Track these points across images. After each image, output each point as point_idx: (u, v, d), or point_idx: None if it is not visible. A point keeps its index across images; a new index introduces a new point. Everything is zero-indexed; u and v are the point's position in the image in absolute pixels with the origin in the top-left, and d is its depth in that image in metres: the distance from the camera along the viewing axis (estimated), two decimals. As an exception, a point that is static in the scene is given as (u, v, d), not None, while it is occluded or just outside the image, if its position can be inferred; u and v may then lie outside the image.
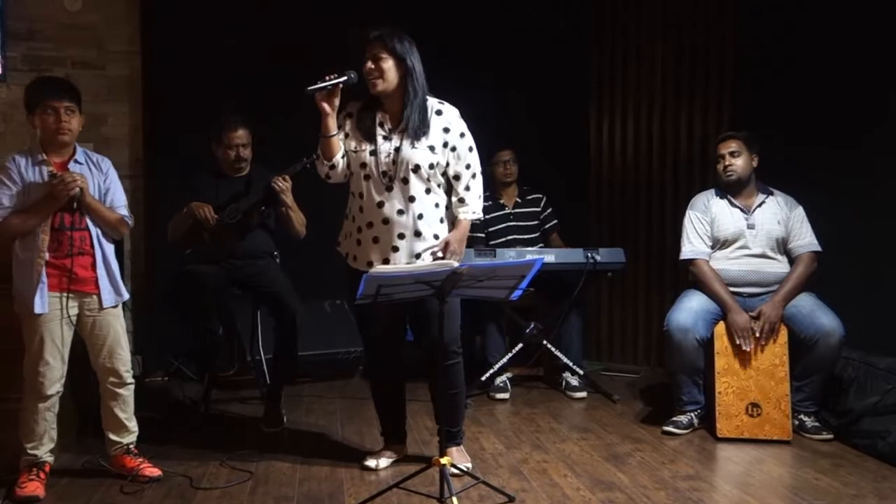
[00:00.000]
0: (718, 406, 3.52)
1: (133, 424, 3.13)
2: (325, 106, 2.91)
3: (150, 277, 4.58)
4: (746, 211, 3.74)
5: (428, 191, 3.02)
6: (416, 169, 2.97)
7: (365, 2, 4.30)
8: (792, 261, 3.70)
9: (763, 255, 3.70)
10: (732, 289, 3.65)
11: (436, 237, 3.04)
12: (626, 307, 5.19)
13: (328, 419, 3.91)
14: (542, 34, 5.14)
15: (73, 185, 2.89)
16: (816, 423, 3.57)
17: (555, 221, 4.75)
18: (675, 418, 3.67)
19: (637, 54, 5.06)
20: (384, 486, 2.88)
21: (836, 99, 3.95)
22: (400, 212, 2.98)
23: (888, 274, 3.65)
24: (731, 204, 3.77)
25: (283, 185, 3.70)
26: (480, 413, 4.02)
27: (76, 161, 3.02)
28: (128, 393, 3.10)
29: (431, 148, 3.00)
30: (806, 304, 3.58)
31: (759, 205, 3.75)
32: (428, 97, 3.03)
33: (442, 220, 3.08)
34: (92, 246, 2.99)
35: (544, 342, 4.32)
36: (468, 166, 3.09)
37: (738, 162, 3.72)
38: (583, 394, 4.32)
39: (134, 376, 3.14)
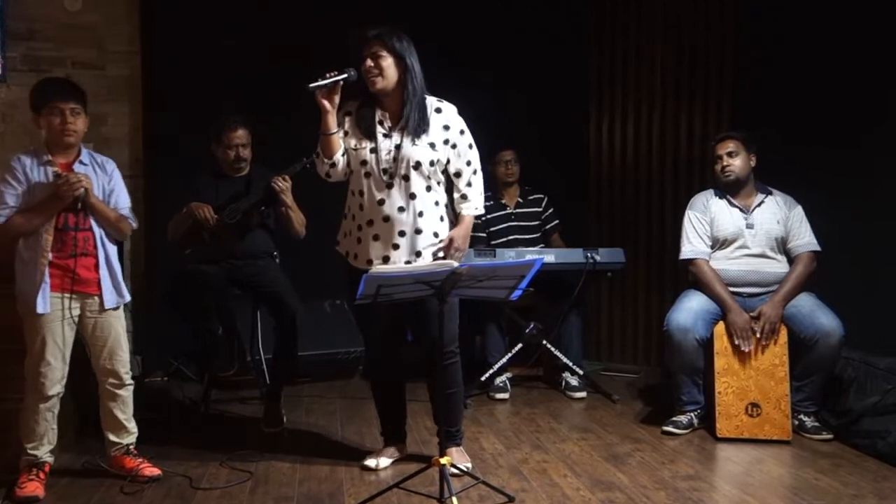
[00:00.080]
0: (718, 406, 3.52)
1: (132, 425, 3.13)
2: (326, 103, 2.91)
3: (150, 277, 4.58)
4: (746, 211, 3.74)
5: (429, 188, 3.03)
6: (417, 166, 2.98)
7: (365, 2, 4.30)
8: (791, 260, 3.70)
9: (762, 255, 3.70)
10: (732, 289, 3.65)
11: (435, 235, 3.05)
12: (625, 307, 5.19)
13: (328, 419, 3.91)
14: (542, 34, 5.14)
15: (78, 185, 2.90)
16: (816, 423, 3.57)
17: (556, 222, 4.75)
18: (674, 418, 3.67)
19: (637, 54, 5.06)
20: (384, 486, 2.88)
21: (836, 99, 3.95)
22: (401, 209, 2.98)
23: (888, 274, 3.65)
24: (731, 204, 3.77)
25: (283, 185, 3.70)
26: (480, 413, 4.02)
27: (81, 162, 3.03)
28: (127, 394, 3.10)
29: (432, 145, 3.01)
30: (806, 304, 3.58)
31: (759, 204, 3.75)
32: (427, 96, 3.03)
33: (442, 219, 3.09)
34: (95, 247, 2.99)
35: (544, 342, 4.32)
36: (468, 163, 3.11)
37: (735, 162, 3.72)
38: (583, 394, 4.32)
39: (134, 377, 3.15)
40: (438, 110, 3.06)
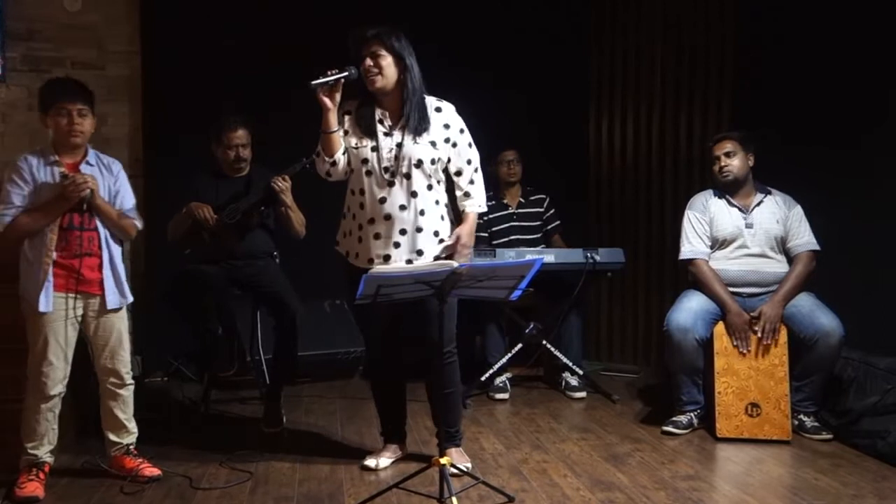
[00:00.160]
0: (718, 406, 3.52)
1: (133, 425, 3.14)
2: (327, 101, 2.91)
3: (150, 277, 4.58)
4: (745, 210, 3.74)
5: (430, 187, 3.03)
6: (419, 164, 2.98)
7: (365, 2, 4.30)
8: (791, 260, 3.70)
9: (762, 255, 3.70)
10: (732, 289, 3.64)
11: (436, 234, 3.05)
12: (625, 307, 5.19)
13: (328, 419, 3.91)
14: (542, 34, 5.14)
15: (84, 186, 2.90)
16: (816, 423, 3.57)
17: (557, 222, 4.75)
18: (674, 418, 3.67)
19: (637, 54, 5.06)
20: (384, 487, 2.88)
21: (836, 99, 3.95)
22: (402, 207, 2.98)
23: (888, 274, 3.65)
24: (730, 203, 3.77)
25: (283, 185, 3.70)
26: (480, 413, 4.02)
27: (88, 163, 3.04)
28: (128, 394, 3.10)
29: (433, 143, 3.02)
30: (805, 303, 3.58)
31: (758, 204, 3.75)
32: (425, 95, 3.04)
33: (443, 217, 3.09)
34: (100, 247, 3.00)
35: (544, 342, 4.32)
36: (469, 161, 3.12)
37: (733, 162, 3.73)
38: (582, 394, 4.32)
39: (133, 377, 3.15)
40: (438, 109, 3.08)
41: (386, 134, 3.01)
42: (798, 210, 3.73)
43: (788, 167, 3.91)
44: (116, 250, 3.06)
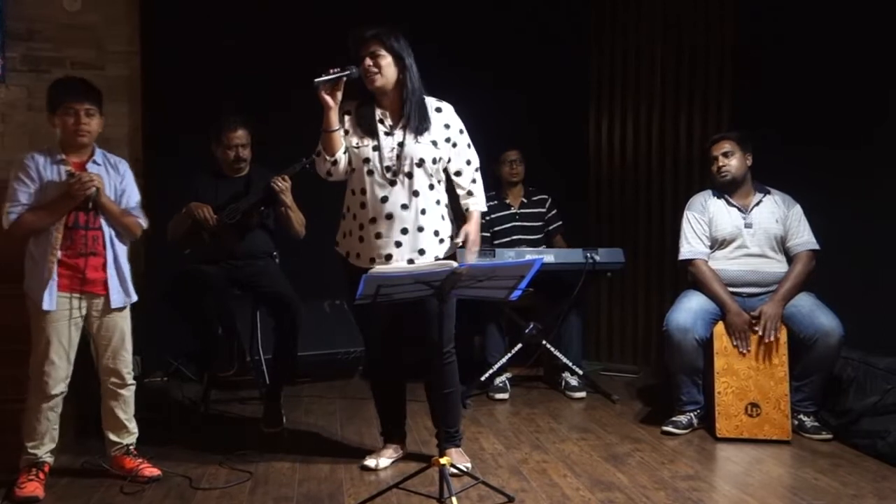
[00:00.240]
0: (718, 406, 3.52)
1: (133, 425, 3.14)
2: (329, 99, 2.91)
3: (149, 277, 4.58)
4: (744, 210, 3.74)
5: (431, 186, 3.04)
6: (421, 163, 2.99)
7: (365, 2, 4.30)
8: (790, 259, 3.70)
9: (761, 255, 3.70)
10: (731, 289, 3.64)
11: (436, 234, 3.05)
12: (625, 307, 5.19)
13: (328, 419, 3.91)
14: (542, 34, 5.14)
15: (90, 184, 2.91)
16: (816, 423, 3.57)
17: (559, 223, 4.75)
18: (674, 418, 3.67)
19: (637, 54, 5.06)
20: (384, 487, 2.88)
21: (836, 99, 3.95)
22: (404, 206, 2.99)
23: (888, 274, 3.65)
24: (729, 203, 3.77)
25: (283, 185, 3.70)
26: (480, 413, 4.02)
27: (94, 162, 3.05)
28: (129, 394, 3.11)
29: (434, 143, 3.03)
30: (805, 303, 3.58)
31: (757, 203, 3.75)
32: (425, 96, 3.05)
33: (443, 217, 3.10)
34: (104, 246, 3.01)
35: (544, 342, 4.32)
36: (468, 162, 3.13)
37: (731, 162, 3.73)
38: (582, 394, 4.32)
39: (133, 377, 3.15)
40: (439, 110, 3.09)
41: (387, 133, 3.02)
42: (797, 209, 3.73)
43: (788, 167, 3.91)
44: (121, 249, 3.07)
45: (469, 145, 3.14)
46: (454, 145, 3.09)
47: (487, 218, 4.59)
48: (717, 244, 3.75)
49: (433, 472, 2.79)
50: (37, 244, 2.95)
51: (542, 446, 3.48)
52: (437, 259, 3.02)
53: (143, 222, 3.16)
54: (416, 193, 3.00)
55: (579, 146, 5.26)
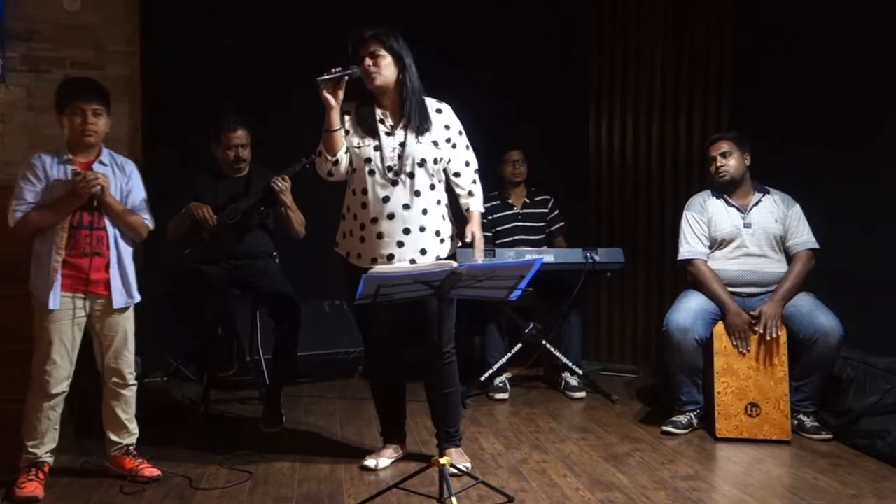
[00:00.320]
0: (717, 406, 3.52)
1: (134, 426, 3.14)
2: (331, 98, 2.91)
3: (149, 277, 4.57)
4: (743, 210, 3.74)
5: (432, 186, 3.04)
6: (423, 163, 2.99)
7: (365, 2, 4.30)
8: (790, 259, 3.70)
9: (761, 255, 3.70)
10: (731, 289, 3.64)
11: (437, 233, 3.05)
12: (625, 307, 5.19)
13: (327, 419, 3.91)
14: (542, 34, 5.14)
15: (94, 182, 2.92)
16: (815, 423, 3.57)
17: (561, 224, 4.75)
18: (674, 418, 3.67)
19: (637, 54, 5.06)
20: (384, 487, 2.88)
21: (837, 99, 3.95)
22: (405, 206, 2.99)
23: (888, 274, 3.65)
24: (728, 203, 3.77)
25: (283, 185, 3.70)
26: (480, 413, 4.02)
27: (101, 162, 3.06)
28: (130, 394, 3.11)
29: (435, 143, 3.03)
30: (805, 303, 3.58)
31: (756, 203, 3.75)
32: (424, 97, 3.06)
33: (444, 217, 3.10)
34: (108, 247, 3.01)
35: (543, 342, 4.32)
36: (467, 163, 3.14)
37: (730, 162, 3.73)
38: (582, 394, 4.32)
39: (135, 377, 3.15)
40: (439, 111, 3.10)
41: (388, 133, 3.02)
42: (797, 209, 3.74)
43: (789, 167, 3.90)
44: (126, 250, 3.07)
45: (468, 147, 3.15)
46: (454, 146, 3.10)
47: (489, 218, 4.60)
48: (716, 244, 3.75)
49: (433, 472, 2.79)
50: (42, 244, 2.96)
51: (541, 446, 3.48)
52: (438, 259, 3.02)
53: (150, 223, 3.16)
54: (417, 193, 3.00)
55: (579, 146, 5.26)
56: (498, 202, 4.65)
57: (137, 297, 3.11)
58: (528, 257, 3.77)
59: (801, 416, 3.58)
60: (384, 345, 3.22)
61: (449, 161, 3.09)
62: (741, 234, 3.71)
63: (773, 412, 3.48)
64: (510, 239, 4.62)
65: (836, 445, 3.44)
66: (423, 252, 3.01)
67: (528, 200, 4.73)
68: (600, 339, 5.27)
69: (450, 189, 3.15)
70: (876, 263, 3.73)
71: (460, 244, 3.13)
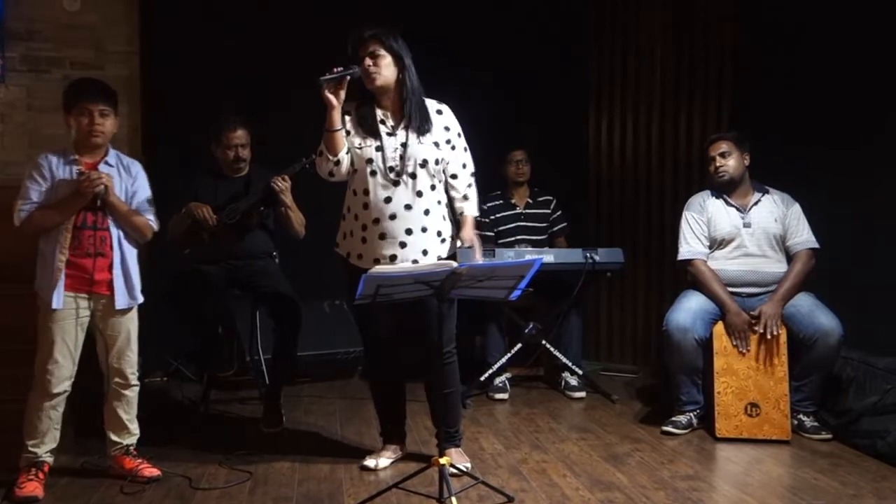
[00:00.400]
0: (717, 406, 3.52)
1: (135, 426, 3.14)
2: (332, 98, 2.91)
3: (149, 277, 4.57)
4: (742, 210, 3.74)
5: (433, 187, 3.04)
6: (424, 164, 2.99)
7: (365, 2, 4.30)
8: (790, 258, 3.70)
9: (761, 255, 3.70)
10: (731, 289, 3.64)
11: (439, 234, 3.06)
12: (625, 307, 5.19)
13: (327, 419, 3.91)
14: (542, 34, 5.14)
15: (98, 182, 2.93)
16: (815, 423, 3.57)
17: (564, 224, 4.75)
18: (674, 418, 3.67)
19: (637, 54, 5.06)
20: (383, 487, 2.88)
21: (837, 99, 3.95)
22: (407, 206, 2.99)
23: (888, 274, 3.65)
24: (727, 203, 3.77)
25: (283, 185, 3.70)
26: (479, 413, 4.02)
27: (107, 163, 3.06)
28: (132, 394, 3.11)
29: (436, 144, 3.04)
30: (805, 303, 3.58)
31: (755, 203, 3.75)
32: (424, 98, 3.06)
33: (445, 218, 3.10)
34: (111, 247, 3.02)
35: (543, 342, 4.32)
36: (464, 165, 3.14)
37: (729, 162, 3.73)
38: (582, 394, 4.32)
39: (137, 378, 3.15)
40: (439, 112, 3.10)
41: (389, 134, 3.02)
42: (796, 208, 3.74)
43: (788, 167, 3.90)
44: (130, 252, 3.08)
45: (466, 149, 3.15)
46: (453, 148, 3.09)
47: (492, 217, 4.60)
48: (715, 244, 3.76)
49: (433, 472, 2.79)
50: (46, 243, 2.97)
51: (541, 446, 3.48)
52: (440, 258, 3.02)
53: (154, 224, 3.17)
54: (419, 194, 3.00)
55: (579, 146, 5.26)
56: (501, 202, 4.66)
57: (140, 299, 3.11)
58: (527, 257, 3.77)
59: (800, 416, 3.59)
60: (384, 345, 3.22)
61: (447, 163, 3.09)
62: (741, 233, 3.71)
63: (772, 412, 3.48)
64: (512, 239, 4.62)
65: (835, 445, 3.44)
66: (424, 253, 3.01)
67: (530, 201, 4.73)
68: (600, 339, 5.27)
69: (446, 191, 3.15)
70: (876, 263, 3.73)
71: (459, 245, 3.13)
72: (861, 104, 3.85)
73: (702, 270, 3.70)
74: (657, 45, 4.98)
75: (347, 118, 3.04)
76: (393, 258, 2.99)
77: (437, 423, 3.01)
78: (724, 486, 3.03)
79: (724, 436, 3.50)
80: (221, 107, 4.10)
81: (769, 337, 3.50)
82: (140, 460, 3.08)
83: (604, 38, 5.17)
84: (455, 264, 2.64)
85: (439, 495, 2.64)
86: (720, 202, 3.78)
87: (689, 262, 3.76)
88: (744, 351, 3.53)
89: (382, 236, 3.00)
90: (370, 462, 3.18)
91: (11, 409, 3.02)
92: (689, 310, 3.62)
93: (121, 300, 3.02)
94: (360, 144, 3.01)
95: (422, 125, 3.01)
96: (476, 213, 3.19)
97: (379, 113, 3.04)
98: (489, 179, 4.55)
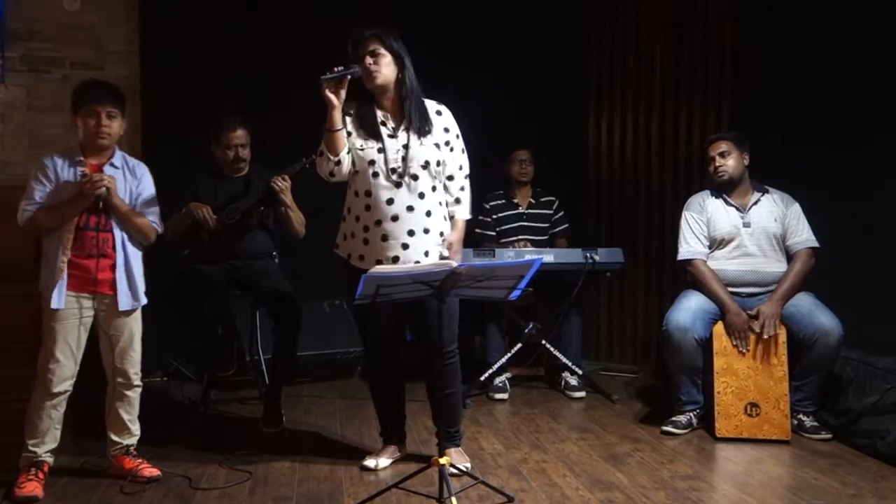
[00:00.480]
0: (717, 406, 3.52)
1: (136, 427, 3.14)
2: (333, 98, 2.91)
3: (149, 277, 4.57)
4: (742, 209, 3.74)
5: (434, 188, 3.04)
6: (426, 165, 2.99)
7: (365, 2, 4.30)
8: (790, 258, 3.70)
9: (761, 254, 3.70)
10: (731, 289, 3.65)
11: (441, 234, 3.06)
12: (624, 307, 5.19)
13: (327, 419, 3.91)
14: (542, 34, 5.14)
15: (100, 183, 2.93)
16: (815, 423, 3.57)
17: (565, 225, 4.75)
18: (673, 418, 3.67)
19: (637, 54, 5.06)
20: (383, 487, 2.88)
21: (837, 99, 3.95)
22: (409, 208, 2.98)
23: (888, 274, 3.65)
24: (727, 203, 3.77)
25: (283, 184, 3.70)
26: (479, 413, 4.02)
27: (112, 164, 3.07)
28: (134, 395, 3.12)
29: (437, 145, 3.04)
30: (805, 303, 3.58)
31: (755, 203, 3.75)
32: (424, 99, 3.06)
33: (446, 218, 3.10)
34: (114, 249, 3.02)
35: (543, 342, 4.32)
36: (461, 167, 3.14)
37: (728, 162, 3.73)
38: (582, 394, 4.32)
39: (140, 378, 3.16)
40: (439, 113, 3.10)
41: (391, 136, 3.02)
42: (796, 207, 3.74)
43: (789, 167, 3.91)
44: (134, 253, 3.08)
45: (463, 150, 3.15)
46: (451, 149, 3.09)
47: (494, 217, 4.60)
48: (715, 244, 3.76)
49: (433, 472, 2.79)
50: (50, 244, 2.97)
51: (541, 446, 3.48)
52: (441, 258, 3.02)
53: (158, 226, 3.17)
54: (421, 195, 3.00)
55: (579, 146, 5.26)
56: (503, 201, 4.66)
57: (144, 300, 3.12)
58: (527, 257, 3.77)
59: (800, 416, 3.59)
60: (384, 345, 3.21)
61: (446, 164, 3.09)
62: (740, 233, 3.71)
63: (772, 412, 3.48)
64: (514, 238, 4.62)
65: (835, 445, 3.44)
66: (426, 254, 3.01)
67: (533, 201, 4.73)
68: (600, 339, 5.27)
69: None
70: (876, 263, 3.73)
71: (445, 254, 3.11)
72: (861, 104, 3.85)
73: (701, 270, 3.70)
74: (657, 45, 4.98)
75: (348, 119, 3.04)
76: (395, 259, 2.99)
77: (437, 422, 3.01)
78: (724, 486, 3.03)
79: (723, 436, 3.50)
80: (221, 107, 4.10)
81: (765, 336, 3.50)
82: (140, 460, 3.08)
83: (604, 38, 5.17)
84: (454, 264, 2.64)
85: (439, 495, 2.64)
86: (720, 202, 3.78)
87: (688, 261, 3.76)
88: (744, 351, 3.53)
89: (385, 238, 3.00)
90: (370, 462, 3.18)
91: (12, 409, 3.03)
92: (688, 310, 3.62)
93: (124, 302, 3.03)
94: (361, 146, 3.01)
95: (422, 126, 3.01)
96: (468, 216, 3.19)
97: (379, 114, 3.04)
98: (490, 179, 4.57)
